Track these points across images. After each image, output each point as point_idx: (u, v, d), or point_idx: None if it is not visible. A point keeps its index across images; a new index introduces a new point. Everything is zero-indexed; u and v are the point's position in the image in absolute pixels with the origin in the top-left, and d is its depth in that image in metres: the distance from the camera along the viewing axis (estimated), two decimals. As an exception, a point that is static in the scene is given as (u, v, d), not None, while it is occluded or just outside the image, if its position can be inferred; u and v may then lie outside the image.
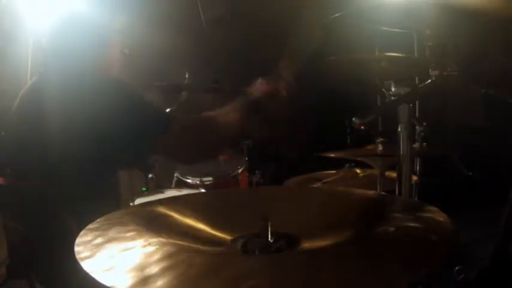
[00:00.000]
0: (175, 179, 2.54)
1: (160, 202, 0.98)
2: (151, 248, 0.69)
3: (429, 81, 1.15)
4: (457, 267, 1.66)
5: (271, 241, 0.78)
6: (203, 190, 2.31)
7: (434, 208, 0.80)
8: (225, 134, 1.37)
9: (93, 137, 1.19)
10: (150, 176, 2.41)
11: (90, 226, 0.79)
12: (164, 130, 1.25)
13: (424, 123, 1.95)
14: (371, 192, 1.02)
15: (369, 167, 1.88)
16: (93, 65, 1.40)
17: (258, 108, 1.36)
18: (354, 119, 1.04)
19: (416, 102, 2.28)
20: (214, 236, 0.85)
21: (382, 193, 1.51)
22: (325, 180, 2.01)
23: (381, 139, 1.79)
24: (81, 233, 0.76)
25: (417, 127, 1.96)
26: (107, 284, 0.57)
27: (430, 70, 1.18)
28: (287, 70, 1.40)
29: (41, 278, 1.34)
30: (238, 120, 1.34)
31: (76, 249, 0.69)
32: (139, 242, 0.71)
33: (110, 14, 1.47)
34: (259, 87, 1.38)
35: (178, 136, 1.27)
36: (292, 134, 3.63)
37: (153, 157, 1.30)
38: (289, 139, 3.66)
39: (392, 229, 0.74)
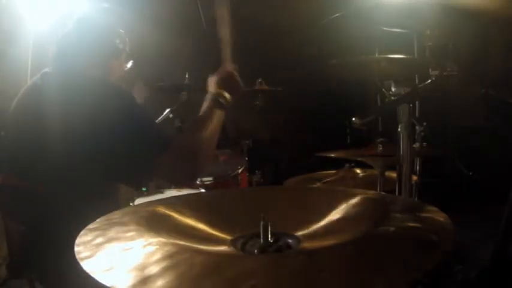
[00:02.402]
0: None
1: (160, 202, 0.98)
2: (151, 248, 0.69)
3: (429, 81, 1.15)
4: (457, 267, 1.66)
5: (271, 241, 0.78)
6: (203, 190, 2.31)
7: (434, 208, 0.80)
8: (211, 147, 1.35)
9: (92, 138, 1.19)
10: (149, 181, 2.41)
11: (90, 226, 0.79)
12: (165, 148, 1.24)
13: (424, 123, 1.95)
14: (371, 192, 1.01)
15: (369, 167, 1.88)
16: (99, 68, 1.41)
17: (222, 103, 1.34)
18: (354, 119, 1.04)
19: (416, 102, 2.28)
20: (214, 236, 0.85)
21: (382, 193, 1.51)
22: (325, 180, 2.01)
23: (381, 139, 1.79)
24: (81, 233, 0.76)
25: (417, 127, 1.96)
26: (107, 284, 0.57)
27: (430, 70, 1.18)
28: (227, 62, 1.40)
29: (41, 278, 1.34)
30: (217, 127, 1.34)
31: (76, 249, 0.69)
32: (139, 242, 0.71)
33: (115, 16, 1.47)
34: (213, 82, 1.37)
35: (173, 156, 1.25)
36: (292, 134, 3.63)
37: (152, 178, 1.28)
38: (289, 139, 3.67)
39: (392, 229, 0.74)
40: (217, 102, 1.34)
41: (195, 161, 1.29)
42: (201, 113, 1.34)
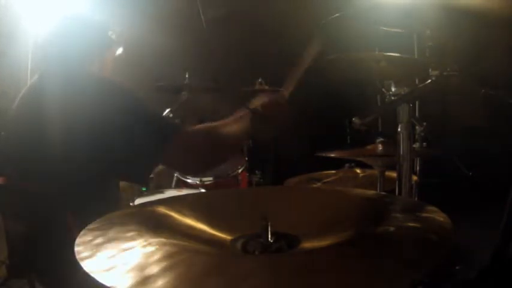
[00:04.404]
0: (175, 179, 2.54)
1: (160, 202, 0.98)
2: (151, 248, 0.69)
3: (429, 81, 1.15)
4: (457, 267, 1.66)
5: (271, 241, 0.78)
6: (203, 190, 2.31)
7: (434, 208, 0.80)
8: (229, 144, 1.36)
9: (92, 137, 1.19)
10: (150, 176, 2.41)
11: (90, 226, 0.79)
12: (168, 139, 1.23)
13: (424, 123, 1.96)
14: (371, 192, 1.01)
15: (369, 167, 1.88)
16: (94, 65, 1.40)
17: (260, 120, 1.35)
18: (354, 119, 1.04)
19: (417, 102, 2.28)
20: (214, 236, 0.85)
21: (382, 193, 1.51)
22: (325, 180, 2.01)
23: (381, 139, 1.79)
24: (81, 233, 0.76)
25: (417, 127, 1.96)
26: (107, 284, 0.57)
27: (430, 70, 1.18)
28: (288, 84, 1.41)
29: (41, 278, 1.34)
30: (241, 131, 1.34)
31: (76, 249, 0.69)
32: (139, 242, 0.71)
33: (110, 14, 1.47)
34: (260, 99, 1.39)
35: (181, 146, 1.25)
36: (292, 134, 3.63)
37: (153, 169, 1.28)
38: (289, 139, 3.66)
39: (392, 229, 0.74)
40: (254, 112, 1.34)
41: (206, 155, 1.29)
42: (234, 115, 1.35)
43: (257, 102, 1.38)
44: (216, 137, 1.30)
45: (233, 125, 1.33)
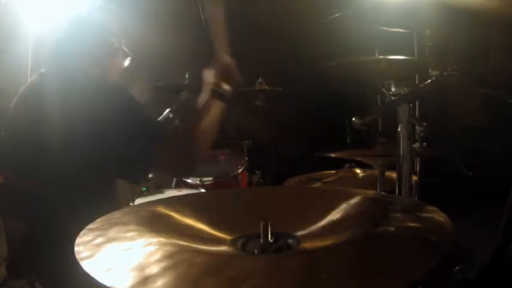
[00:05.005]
0: (175, 179, 2.54)
1: (160, 202, 0.99)
2: (151, 248, 0.69)
3: (429, 81, 1.15)
4: (457, 267, 1.66)
5: (271, 241, 0.78)
6: (203, 190, 2.31)
7: (434, 208, 0.80)
8: (209, 135, 1.34)
9: (91, 137, 1.20)
10: (150, 176, 2.41)
11: (90, 226, 0.79)
12: (160, 140, 1.25)
13: (424, 123, 1.95)
14: (371, 192, 1.01)
15: (369, 167, 1.88)
16: (96, 67, 1.41)
17: (222, 94, 1.32)
18: (354, 119, 1.04)
19: (416, 102, 2.28)
20: (214, 236, 0.85)
21: (382, 193, 1.51)
22: (325, 180, 2.01)
23: (381, 139, 1.79)
24: (81, 233, 0.76)
25: (417, 127, 1.96)
26: (107, 284, 0.57)
27: (430, 70, 1.18)
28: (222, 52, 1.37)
29: (41, 278, 1.34)
30: (217, 117, 1.31)
31: (76, 249, 0.69)
32: (140, 242, 0.71)
33: (112, 15, 1.48)
34: (209, 74, 1.35)
35: (169, 147, 1.25)
36: (292, 134, 3.63)
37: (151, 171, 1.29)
38: (289, 139, 3.66)
39: (392, 229, 0.74)
40: (216, 93, 1.31)
41: (191, 153, 1.29)
42: (199, 106, 1.31)
43: (212, 78, 1.35)
44: (197, 136, 1.29)
45: (207, 116, 1.30)
